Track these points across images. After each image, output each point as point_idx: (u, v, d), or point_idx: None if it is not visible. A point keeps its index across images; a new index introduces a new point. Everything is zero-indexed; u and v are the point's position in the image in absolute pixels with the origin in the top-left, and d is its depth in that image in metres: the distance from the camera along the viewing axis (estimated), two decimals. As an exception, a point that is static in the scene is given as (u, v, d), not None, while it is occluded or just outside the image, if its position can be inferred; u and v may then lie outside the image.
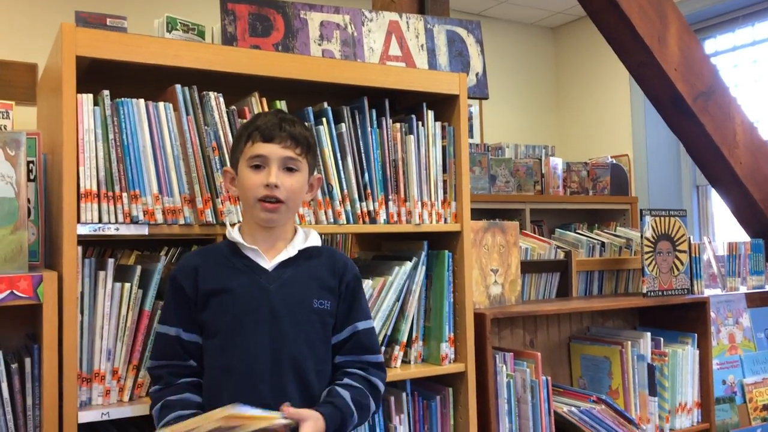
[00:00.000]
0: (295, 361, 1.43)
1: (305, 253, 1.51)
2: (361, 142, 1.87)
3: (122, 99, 1.56)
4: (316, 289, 1.49)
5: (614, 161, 4.81)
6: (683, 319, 2.55)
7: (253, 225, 1.50)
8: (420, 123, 1.97)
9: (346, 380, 1.49)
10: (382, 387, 1.55)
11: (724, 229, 5.19)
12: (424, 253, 1.96)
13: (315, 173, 1.57)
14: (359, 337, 1.53)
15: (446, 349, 1.96)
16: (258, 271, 1.47)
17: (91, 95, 1.53)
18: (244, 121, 1.70)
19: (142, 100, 1.58)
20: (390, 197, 1.90)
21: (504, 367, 2.04)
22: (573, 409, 2.10)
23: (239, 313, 1.44)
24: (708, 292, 2.77)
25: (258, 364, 1.41)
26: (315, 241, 1.55)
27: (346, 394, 1.45)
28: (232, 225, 1.56)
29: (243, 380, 1.41)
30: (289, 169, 1.46)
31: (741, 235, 3.30)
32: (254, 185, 1.44)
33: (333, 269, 1.53)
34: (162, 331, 1.48)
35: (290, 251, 1.49)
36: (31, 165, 1.63)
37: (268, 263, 1.47)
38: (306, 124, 1.59)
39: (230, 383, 1.41)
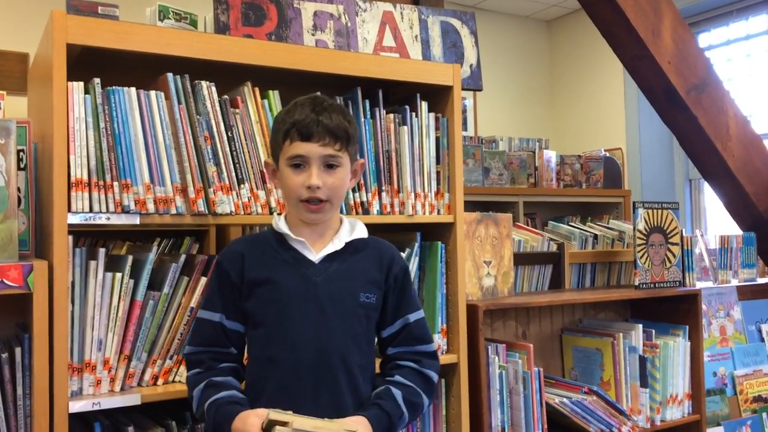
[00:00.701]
0: (341, 355, 1.42)
1: (351, 246, 1.49)
2: (354, 133, 1.86)
3: (113, 87, 1.54)
4: (362, 283, 1.47)
5: (608, 154, 4.81)
6: (675, 311, 2.56)
7: (298, 218, 1.48)
8: (414, 114, 1.96)
9: (398, 377, 1.47)
10: (435, 377, 1.53)
11: (716, 222, 5.21)
12: (417, 245, 1.96)
13: (358, 158, 1.54)
14: (411, 328, 1.51)
15: (439, 340, 1.96)
16: (305, 263, 1.45)
17: (81, 83, 1.51)
18: (236, 110, 1.70)
19: (133, 89, 1.57)
20: (383, 188, 1.90)
21: (496, 358, 2.05)
22: (565, 400, 2.11)
23: (285, 305, 1.42)
24: (699, 285, 2.78)
25: (304, 357, 1.40)
26: (362, 233, 1.52)
27: (398, 394, 1.44)
28: (279, 214, 1.54)
29: (289, 373, 1.40)
30: (330, 166, 1.43)
31: (733, 229, 3.32)
32: (296, 186, 1.42)
33: (380, 262, 1.51)
34: (205, 317, 1.46)
35: (337, 244, 1.47)
36: (21, 154, 1.62)
37: (315, 256, 1.46)
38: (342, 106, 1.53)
39: (275, 375, 1.41)
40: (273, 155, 1.51)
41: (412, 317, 1.52)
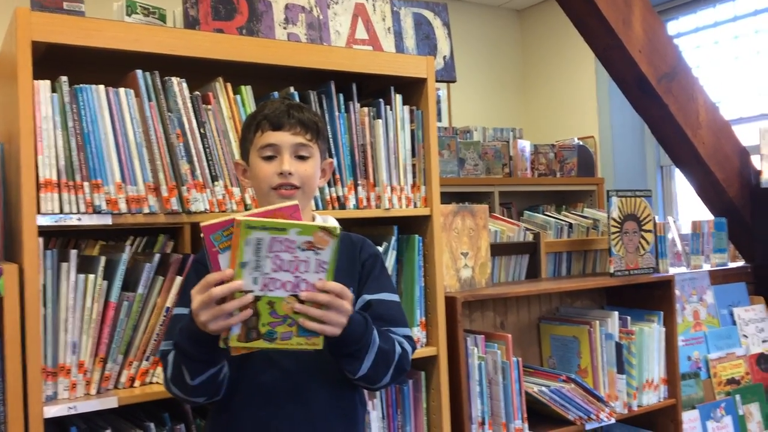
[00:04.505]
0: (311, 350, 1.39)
1: None
2: (328, 127, 1.85)
3: (81, 85, 1.51)
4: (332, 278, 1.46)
5: (581, 143, 4.85)
6: (649, 297, 2.59)
7: None
8: (388, 107, 1.95)
9: None
10: (408, 347, 1.44)
11: (688, 207, 5.28)
12: (394, 238, 1.95)
13: (326, 158, 1.54)
14: (373, 308, 1.43)
15: (418, 333, 1.96)
16: None
17: (48, 82, 1.48)
18: (208, 106, 1.68)
19: (102, 87, 1.54)
20: (359, 182, 1.89)
21: (475, 349, 2.06)
22: (543, 389, 2.13)
23: None
24: (673, 271, 2.82)
25: (273, 354, 1.37)
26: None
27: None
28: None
29: (261, 365, 1.37)
30: (301, 157, 1.43)
31: (704, 214, 3.37)
32: (268, 175, 1.41)
33: (351, 255, 1.49)
34: (182, 312, 1.41)
35: None
36: (-13, 154, 1.58)
37: None
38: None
39: (248, 369, 1.38)
40: (243, 154, 1.49)
41: (370, 296, 1.46)
